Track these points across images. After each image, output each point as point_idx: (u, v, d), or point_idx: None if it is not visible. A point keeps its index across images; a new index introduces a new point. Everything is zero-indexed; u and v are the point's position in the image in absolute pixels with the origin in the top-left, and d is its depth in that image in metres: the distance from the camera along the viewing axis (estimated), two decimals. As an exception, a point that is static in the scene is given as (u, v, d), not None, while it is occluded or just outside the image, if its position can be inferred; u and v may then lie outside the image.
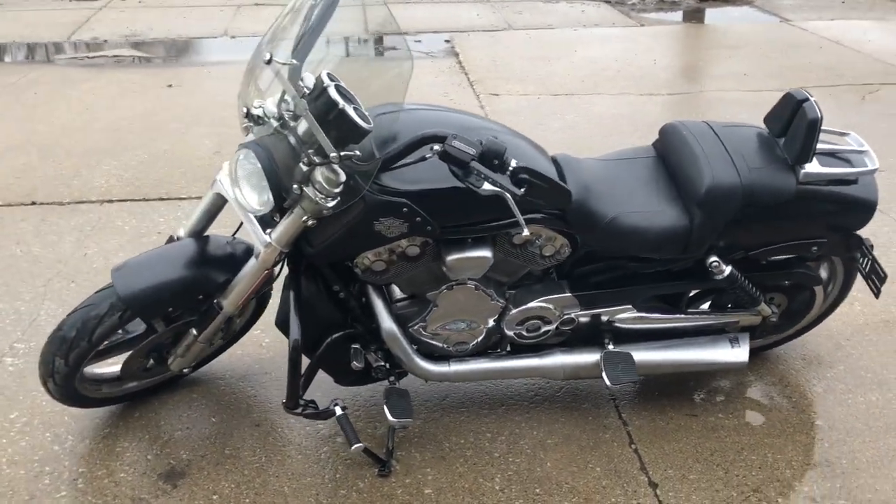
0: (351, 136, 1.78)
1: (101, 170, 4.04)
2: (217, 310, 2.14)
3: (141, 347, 2.25)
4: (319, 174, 1.84)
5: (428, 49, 6.21)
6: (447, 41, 6.43)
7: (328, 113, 1.74)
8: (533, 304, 2.28)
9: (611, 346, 2.37)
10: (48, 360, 2.15)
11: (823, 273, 2.53)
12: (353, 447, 2.10)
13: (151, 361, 2.34)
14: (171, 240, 2.24)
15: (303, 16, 1.95)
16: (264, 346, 2.72)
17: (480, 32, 6.68)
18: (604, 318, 2.37)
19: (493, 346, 2.39)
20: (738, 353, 2.44)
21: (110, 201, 3.73)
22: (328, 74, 1.82)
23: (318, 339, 2.18)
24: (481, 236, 2.09)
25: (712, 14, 7.70)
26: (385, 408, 2.17)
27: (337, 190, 1.85)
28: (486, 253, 2.10)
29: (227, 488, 2.18)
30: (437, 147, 1.81)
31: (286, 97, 1.88)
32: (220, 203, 2.17)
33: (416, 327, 2.23)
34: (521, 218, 1.82)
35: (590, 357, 2.37)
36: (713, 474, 2.26)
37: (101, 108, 4.88)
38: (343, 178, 1.85)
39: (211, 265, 2.14)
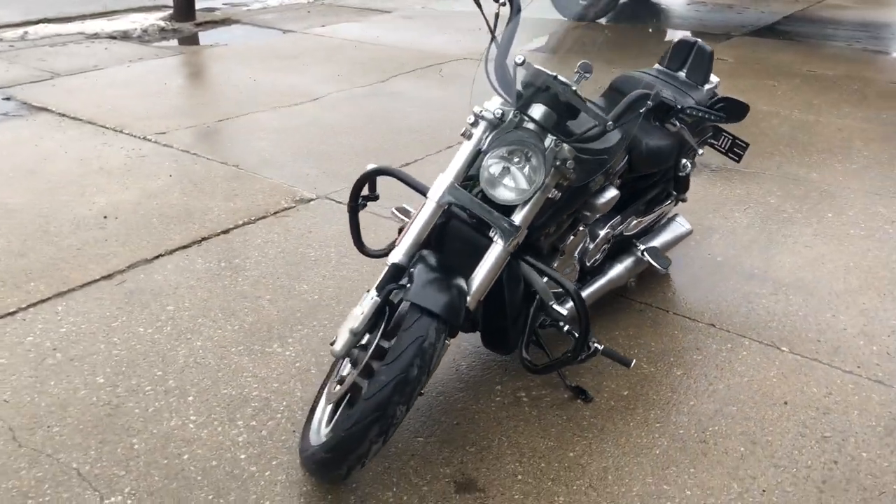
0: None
1: None
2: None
3: None
4: (566, 148, 2.13)
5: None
6: (7, 98, 5.61)
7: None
8: (604, 231, 2.79)
9: (640, 247, 3.01)
10: (390, 413, 1.89)
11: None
12: (631, 365, 2.36)
13: None
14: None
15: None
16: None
17: (36, 84, 5.95)
18: (628, 229, 3.00)
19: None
20: (685, 225, 3.31)
21: None
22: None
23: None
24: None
25: (215, 35, 8.08)
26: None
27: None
28: (615, 192, 2.57)
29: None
30: (649, 102, 2.24)
31: (521, 88, 2.13)
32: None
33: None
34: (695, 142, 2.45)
35: (634, 258, 2.98)
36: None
37: None
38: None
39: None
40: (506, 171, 2.16)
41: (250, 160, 4.51)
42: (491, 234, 2.20)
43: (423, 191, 2.47)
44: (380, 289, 2.14)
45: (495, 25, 2.28)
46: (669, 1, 9.42)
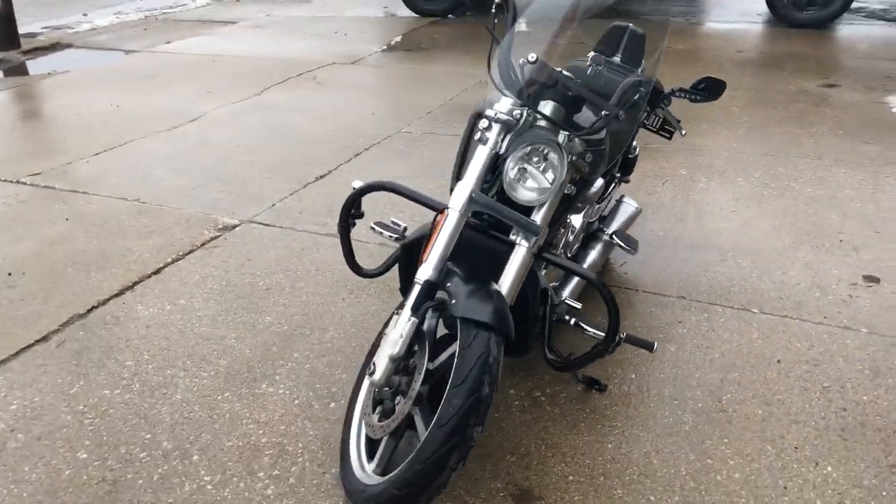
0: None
1: None
2: None
3: None
4: (577, 142, 2.15)
5: None
6: None
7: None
8: (581, 220, 2.84)
9: (608, 231, 3.08)
10: (468, 437, 1.82)
11: None
12: (654, 348, 2.39)
13: None
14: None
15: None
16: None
17: None
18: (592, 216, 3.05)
19: None
20: (633, 205, 3.41)
21: None
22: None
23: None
24: None
25: (49, 62, 7.48)
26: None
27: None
28: (601, 180, 2.62)
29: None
30: (641, 88, 2.29)
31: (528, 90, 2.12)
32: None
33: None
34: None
35: (603, 244, 3.04)
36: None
37: None
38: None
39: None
40: (522, 171, 2.13)
41: (151, 191, 4.20)
42: (512, 236, 2.16)
43: (426, 203, 2.39)
44: (415, 309, 2.04)
45: (494, 27, 2.23)
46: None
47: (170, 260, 3.47)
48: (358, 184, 2.54)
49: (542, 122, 2.15)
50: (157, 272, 3.38)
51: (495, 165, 2.19)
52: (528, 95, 2.16)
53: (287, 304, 3.10)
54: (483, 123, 2.13)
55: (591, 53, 3.23)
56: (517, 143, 2.10)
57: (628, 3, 7.50)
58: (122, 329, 2.97)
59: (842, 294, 3.06)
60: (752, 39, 7.30)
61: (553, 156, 2.09)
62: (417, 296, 2.06)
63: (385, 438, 2.08)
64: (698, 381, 2.59)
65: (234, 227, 3.77)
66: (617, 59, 3.14)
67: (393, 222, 2.67)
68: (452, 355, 2.01)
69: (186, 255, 3.52)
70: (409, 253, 2.38)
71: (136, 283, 3.29)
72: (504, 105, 2.14)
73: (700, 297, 3.06)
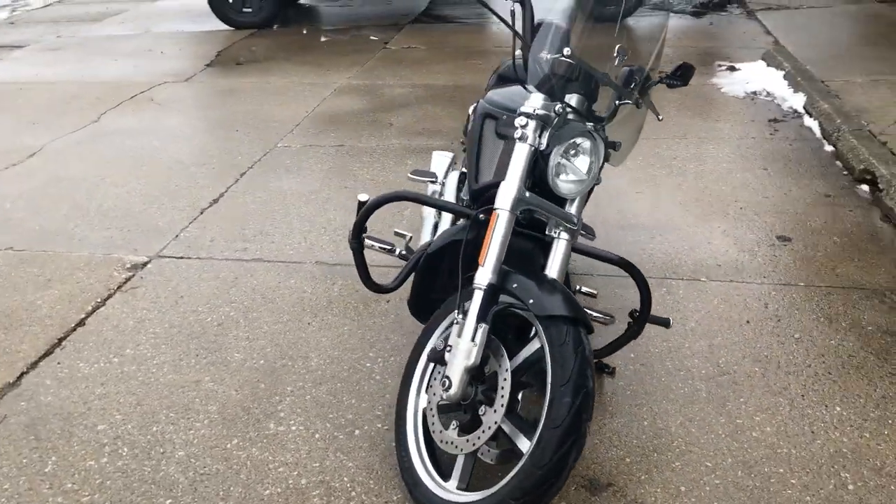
0: None
1: None
2: None
3: None
4: (601, 133, 2.24)
5: None
6: None
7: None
8: None
9: None
10: (583, 433, 1.82)
11: None
12: (670, 324, 2.48)
13: None
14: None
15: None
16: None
17: None
18: None
19: None
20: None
21: None
22: None
23: None
24: None
25: None
26: None
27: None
28: None
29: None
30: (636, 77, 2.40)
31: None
32: None
33: None
34: None
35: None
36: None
37: None
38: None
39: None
40: (562, 165, 2.14)
41: (22, 237, 3.72)
42: (550, 231, 2.16)
43: (451, 209, 2.33)
44: (482, 316, 2.00)
45: (513, 22, 2.22)
46: (313, 2, 9.52)
47: (89, 308, 3.10)
48: (364, 197, 2.43)
49: (571, 115, 2.16)
50: (80, 324, 3.00)
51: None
52: (557, 90, 2.17)
53: (250, 338, 2.89)
54: (521, 121, 2.11)
55: (518, 52, 3.30)
56: (557, 138, 2.10)
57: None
58: (71, 391, 2.62)
59: (766, 255, 3.36)
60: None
61: (591, 147, 2.12)
62: (482, 303, 2.01)
63: (464, 454, 2.01)
64: (690, 350, 2.74)
65: (145, 264, 3.44)
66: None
67: (397, 233, 2.58)
68: (532, 356, 1.99)
69: (106, 300, 3.16)
70: (435, 261, 2.31)
71: (62, 340, 2.91)
72: (536, 101, 2.13)
73: (653, 273, 3.22)
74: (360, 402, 2.53)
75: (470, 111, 3.19)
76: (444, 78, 6.12)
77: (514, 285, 2.02)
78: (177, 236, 3.68)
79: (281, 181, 4.26)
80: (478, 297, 2.02)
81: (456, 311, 2.12)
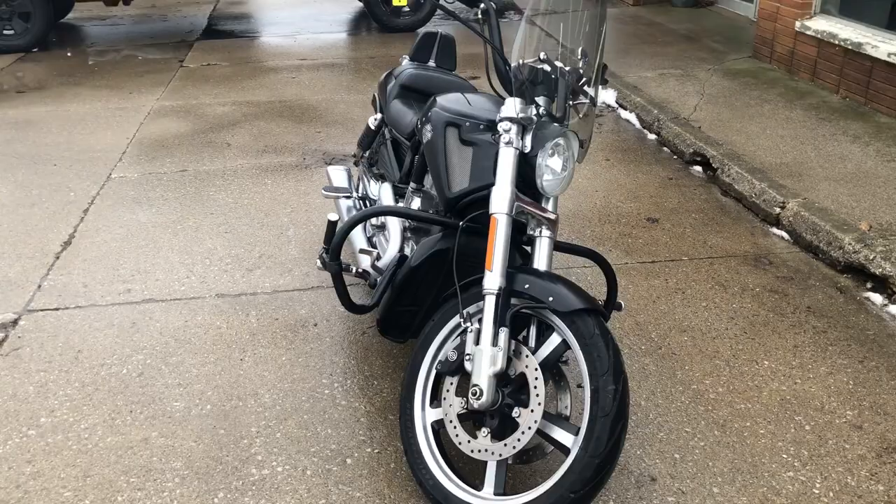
0: None
1: None
2: None
3: None
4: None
5: None
6: None
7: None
8: None
9: None
10: (627, 414, 1.93)
11: None
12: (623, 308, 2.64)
13: None
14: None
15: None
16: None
17: None
18: None
19: None
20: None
21: None
22: None
23: None
24: None
25: None
26: None
27: None
28: None
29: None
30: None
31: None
32: None
33: None
34: None
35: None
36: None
37: None
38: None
39: None
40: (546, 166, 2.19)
41: None
42: (530, 230, 2.21)
43: (434, 221, 2.32)
44: (500, 321, 2.02)
45: (483, 30, 2.24)
46: (81, 22, 8.75)
47: (-30, 380, 2.67)
48: (334, 217, 2.34)
49: (543, 118, 2.22)
50: (-32, 398, 2.58)
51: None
52: (528, 93, 2.23)
53: (182, 384, 2.66)
54: (505, 126, 2.13)
55: (405, 59, 3.34)
56: (540, 140, 2.16)
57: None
58: (-5, 476, 2.26)
59: (646, 236, 3.66)
60: (372, 41, 7.76)
61: (573, 146, 2.20)
62: (499, 308, 2.02)
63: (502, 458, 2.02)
64: (622, 329, 2.94)
65: (15, 321, 3.03)
66: (432, 63, 3.28)
67: (363, 250, 2.49)
68: (554, 352, 2.04)
69: (-14, 368, 2.74)
70: (416, 275, 2.29)
71: (-47, 420, 2.49)
72: (513, 106, 2.16)
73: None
74: (336, 430, 2.43)
75: (371, 124, 3.16)
76: (264, 93, 5.93)
77: (526, 286, 2.06)
78: (39, 286, 3.26)
79: (135, 214, 3.92)
80: (490, 301, 2.03)
81: (462, 320, 2.11)
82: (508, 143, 2.14)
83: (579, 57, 2.28)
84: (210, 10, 9.29)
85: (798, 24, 5.76)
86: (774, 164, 4.21)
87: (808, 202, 3.70)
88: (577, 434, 1.94)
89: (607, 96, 5.63)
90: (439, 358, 2.16)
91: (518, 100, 2.18)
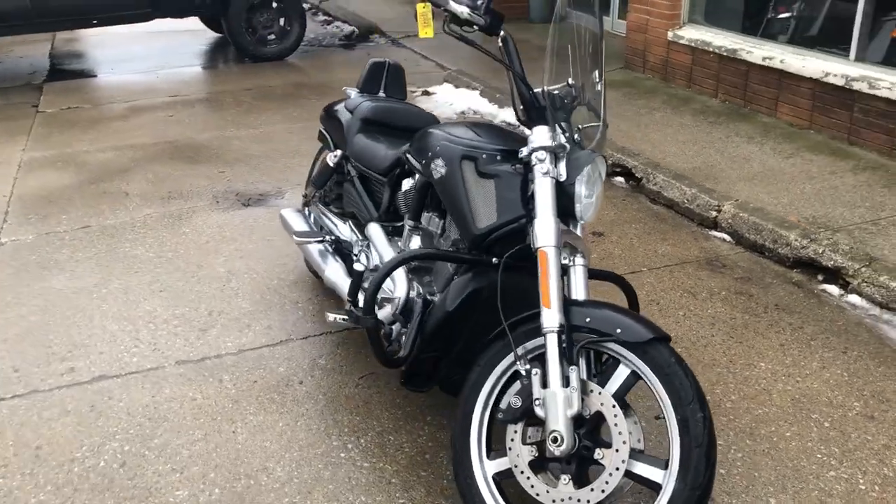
0: None
1: None
2: None
3: None
4: None
5: None
6: None
7: None
8: None
9: None
10: (715, 442, 1.91)
11: None
12: None
13: None
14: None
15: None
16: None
17: None
18: None
19: None
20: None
21: None
22: None
23: None
24: None
25: None
26: None
27: None
28: None
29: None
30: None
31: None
32: None
33: None
34: None
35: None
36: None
37: None
38: None
39: None
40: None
41: None
42: (564, 260, 2.14)
43: (464, 260, 2.19)
44: (566, 359, 1.94)
45: (505, 57, 2.14)
46: None
47: (-87, 501, 2.26)
48: (360, 267, 2.16)
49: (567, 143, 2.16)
50: (-82, 525, 2.18)
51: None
52: (552, 119, 2.16)
53: (176, 469, 2.37)
54: (540, 155, 2.06)
55: (352, 91, 3.19)
56: (575, 167, 2.09)
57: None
58: None
59: (598, 250, 3.69)
60: (244, 74, 7.37)
61: (602, 169, 2.16)
62: (562, 344, 1.94)
63: None
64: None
65: (-57, 422, 2.60)
66: (382, 94, 3.16)
67: (385, 298, 2.31)
68: (623, 385, 1.97)
69: (-73, 484, 2.32)
70: (455, 318, 2.16)
71: None
72: (544, 134, 2.09)
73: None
74: (370, 497, 2.24)
75: (331, 161, 2.99)
76: (145, 135, 5.52)
77: (587, 319, 1.98)
78: (-41, 378, 2.82)
79: (46, 281, 3.50)
80: (553, 340, 1.94)
81: (518, 362, 2.00)
82: (546, 173, 2.06)
83: (597, 79, 2.23)
84: (48, 48, 8.57)
85: (671, 34, 6.06)
86: (688, 169, 4.38)
87: (742, 203, 3.86)
88: (665, 468, 1.87)
89: (506, 115, 5.67)
90: (501, 406, 2.04)
91: (545, 128, 2.10)
